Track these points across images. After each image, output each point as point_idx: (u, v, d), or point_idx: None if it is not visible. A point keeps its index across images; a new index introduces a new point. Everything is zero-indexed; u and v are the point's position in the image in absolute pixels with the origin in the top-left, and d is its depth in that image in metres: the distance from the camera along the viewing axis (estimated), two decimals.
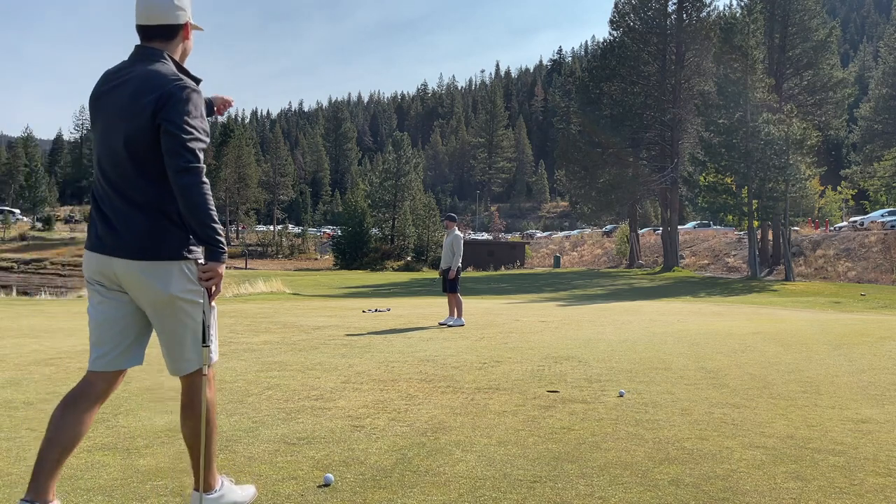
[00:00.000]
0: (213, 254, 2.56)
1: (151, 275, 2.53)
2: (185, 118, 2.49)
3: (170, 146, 2.47)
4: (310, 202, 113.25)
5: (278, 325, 10.42)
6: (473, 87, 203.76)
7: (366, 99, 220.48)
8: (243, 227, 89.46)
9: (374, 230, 65.59)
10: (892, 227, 38.51)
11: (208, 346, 2.66)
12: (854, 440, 3.97)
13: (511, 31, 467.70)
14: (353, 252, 61.84)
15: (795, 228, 43.22)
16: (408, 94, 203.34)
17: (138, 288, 2.55)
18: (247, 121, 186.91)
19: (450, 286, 11.00)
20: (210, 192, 2.53)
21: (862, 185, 51.11)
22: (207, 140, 2.58)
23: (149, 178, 2.53)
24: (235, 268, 54.14)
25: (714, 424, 4.30)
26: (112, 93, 2.61)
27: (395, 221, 67.47)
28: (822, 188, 44.95)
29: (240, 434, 3.94)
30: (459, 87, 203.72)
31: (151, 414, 4.38)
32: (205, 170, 2.54)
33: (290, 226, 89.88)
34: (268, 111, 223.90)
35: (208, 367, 2.67)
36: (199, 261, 2.62)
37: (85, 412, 2.58)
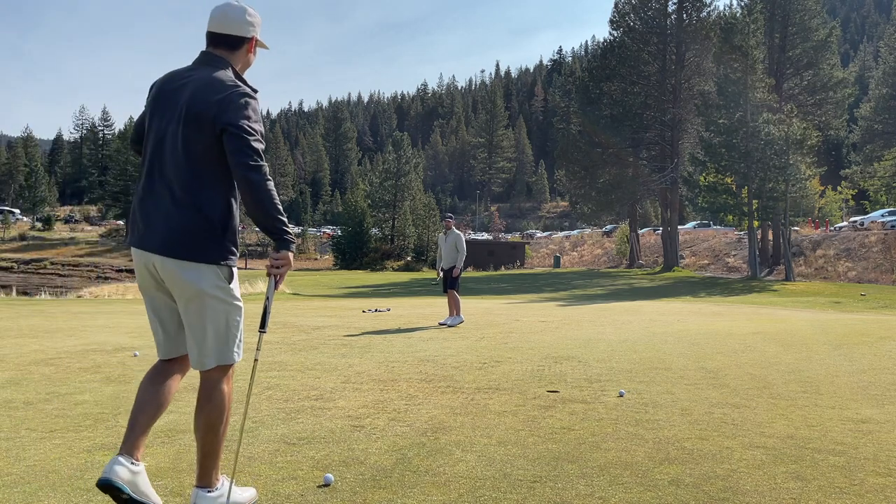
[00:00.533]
0: (284, 243, 2.70)
1: (185, 270, 2.65)
2: (246, 122, 2.62)
3: (235, 146, 2.59)
4: (310, 202, 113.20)
5: (278, 325, 10.42)
6: (473, 87, 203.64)
7: (366, 99, 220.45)
8: (243, 227, 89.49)
9: (374, 230, 65.60)
10: (893, 227, 38.51)
11: (265, 332, 2.86)
12: (854, 440, 3.97)
13: (511, 31, 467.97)
14: (353, 252, 61.87)
15: (795, 228, 43.22)
16: (408, 94, 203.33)
17: (172, 281, 2.68)
18: None
19: (451, 283, 11.03)
20: (274, 188, 2.66)
21: (862, 185, 51.10)
22: (264, 144, 2.71)
23: (201, 181, 2.65)
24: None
25: (714, 424, 4.30)
26: (173, 94, 2.72)
27: (395, 221, 67.48)
28: (822, 188, 44.96)
29: (240, 434, 3.93)
30: (459, 87, 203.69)
31: None
32: (268, 168, 2.66)
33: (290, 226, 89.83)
34: (268, 111, 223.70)
35: (257, 350, 2.88)
36: (234, 269, 2.76)
37: (169, 381, 2.79)
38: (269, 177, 2.64)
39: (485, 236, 79.11)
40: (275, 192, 2.64)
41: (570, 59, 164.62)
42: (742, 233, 43.17)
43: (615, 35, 45.92)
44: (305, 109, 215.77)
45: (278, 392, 5.16)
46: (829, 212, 50.30)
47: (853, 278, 32.55)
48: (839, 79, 40.71)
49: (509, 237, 79.29)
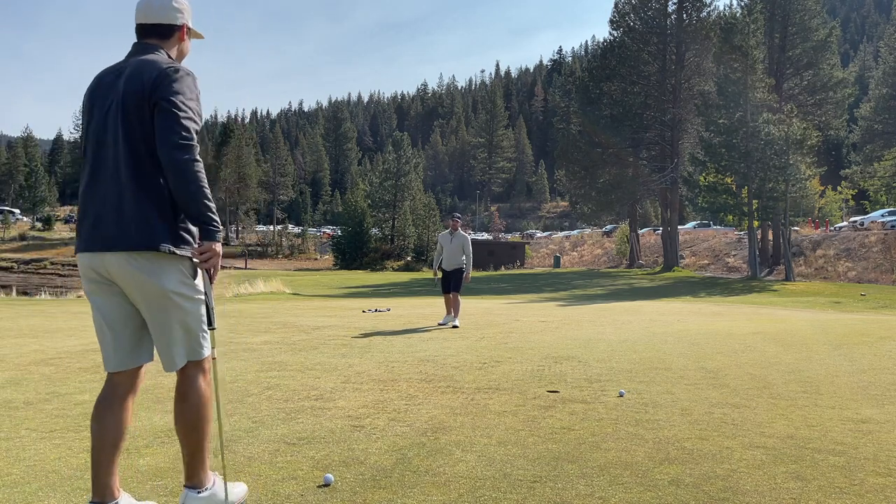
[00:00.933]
0: (208, 232, 2.53)
1: (145, 269, 2.51)
2: (179, 96, 2.49)
3: (163, 122, 2.46)
4: (310, 202, 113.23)
5: (278, 325, 10.42)
6: (473, 87, 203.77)
7: (366, 99, 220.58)
8: (242, 227, 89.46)
9: (374, 230, 65.65)
10: (893, 227, 38.51)
11: (215, 328, 2.71)
12: (854, 440, 3.97)
13: (511, 31, 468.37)
14: (353, 252, 61.89)
15: (795, 228, 43.22)
16: (408, 94, 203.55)
17: (132, 283, 2.53)
18: (247, 121, 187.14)
19: (455, 286, 11.05)
20: (203, 171, 2.50)
21: (862, 185, 51.10)
22: (201, 123, 2.58)
23: (145, 167, 2.52)
24: (236, 268, 54.12)
25: (714, 424, 4.30)
26: (108, 88, 2.62)
27: (395, 221, 67.52)
28: (822, 188, 44.95)
29: (240, 434, 3.94)
30: (459, 87, 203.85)
31: (151, 414, 4.38)
32: (198, 149, 2.52)
33: (290, 226, 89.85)
34: (268, 111, 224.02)
35: (212, 349, 2.70)
36: (194, 259, 2.60)
37: (119, 411, 2.62)
38: (199, 158, 2.47)
39: (485, 236, 79.16)
40: (203, 176, 2.48)
41: (570, 59, 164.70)
42: (742, 233, 43.17)
43: (615, 35, 45.94)
44: (305, 109, 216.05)
45: (278, 392, 5.16)
46: (829, 212, 50.32)
47: (853, 278, 32.55)
48: (839, 79, 40.72)
49: (509, 237, 79.36)
